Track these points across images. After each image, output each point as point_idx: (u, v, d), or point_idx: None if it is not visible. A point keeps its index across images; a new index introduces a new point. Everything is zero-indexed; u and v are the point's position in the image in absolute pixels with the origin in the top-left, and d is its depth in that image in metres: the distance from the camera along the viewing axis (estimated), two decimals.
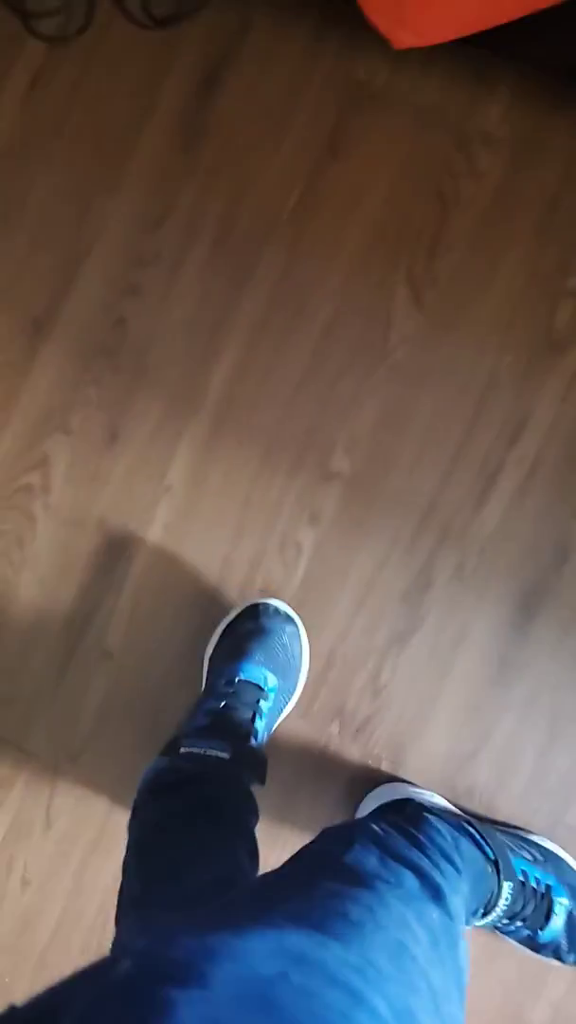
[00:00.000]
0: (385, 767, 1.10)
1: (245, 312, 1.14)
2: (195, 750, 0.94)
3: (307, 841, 0.79)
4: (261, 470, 1.12)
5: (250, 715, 0.98)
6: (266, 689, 1.01)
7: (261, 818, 0.91)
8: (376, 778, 1.09)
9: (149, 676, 1.12)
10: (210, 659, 1.09)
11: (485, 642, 1.10)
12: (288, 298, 1.13)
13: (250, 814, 0.90)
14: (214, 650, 1.09)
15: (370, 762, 1.10)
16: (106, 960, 0.55)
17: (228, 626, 1.09)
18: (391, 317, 1.12)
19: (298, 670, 1.08)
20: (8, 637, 1.14)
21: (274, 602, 1.08)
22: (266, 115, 1.14)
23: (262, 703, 1.00)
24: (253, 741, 0.97)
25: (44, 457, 1.14)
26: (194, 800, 0.87)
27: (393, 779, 1.09)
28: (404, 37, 0.97)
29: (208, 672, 1.08)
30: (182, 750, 0.95)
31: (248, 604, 1.08)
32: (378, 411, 1.12)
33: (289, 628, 1.07)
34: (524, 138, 1.10)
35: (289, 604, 1.10)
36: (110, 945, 0.75)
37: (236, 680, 1.00)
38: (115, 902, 0.80)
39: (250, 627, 1.06)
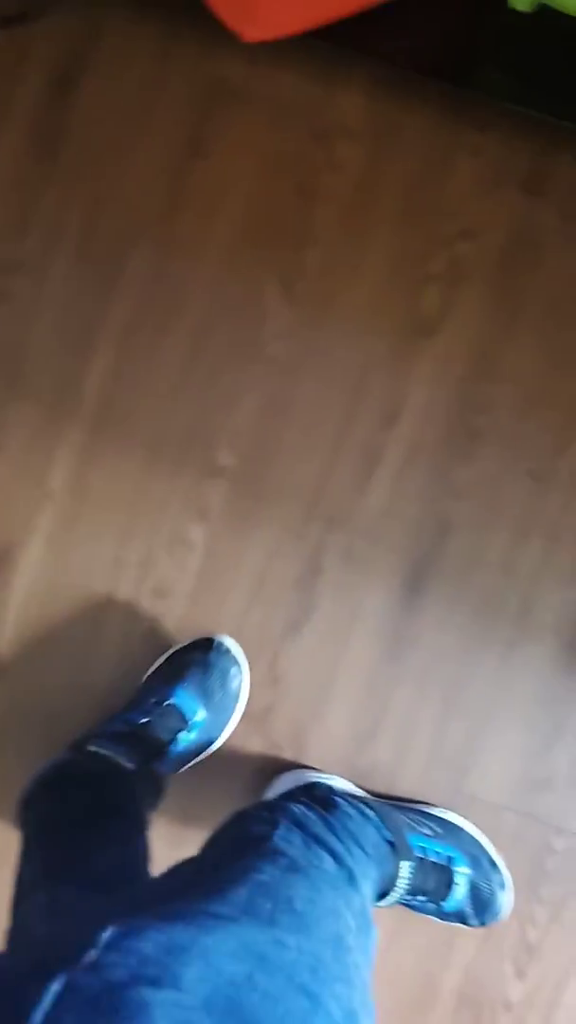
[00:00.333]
0: (287, 755, 1.11)
1: (116, 314, 1.13)
2: (102, 751, 0.94)
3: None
4: (145, 471, 1.12)
5: (167, 740, 0.99)
6: (190, 722, 1.01)
7: (165, 816, 0.92)
8: (279, 767, 1.11)
9: (43, 688, 1.11)
10: (148, 677, 1.08)
11: (377, 621, 1.12)
12: (160, 298, 1.13)
13: (145, 827, 0.91)
14: (155, 670, 1.08)
15: (272, 751, 1.11)
16: (67, 945, 0.55)
17: (175, 652, 1.08)
18: (264, 311, 1.13)
19: (230, 714, 1.07)
20: None
21: (228, 641, 1.08)
22: (125, 115, 1.14)
23: (182, 734, 1.00)
24: (160, 766, 0.97)
25: None
26: (89, 798, 0.87)
27: (296, 766, 1.11)
28: (250, 31, 0.98)
29: (141, 688, 1.07)
30: (89, 747, 0.94)
31: (201, 636, 1.08)
32: (258, 404, 1.13)
33: (233, 669, 1.07)
34: (380, 129, 1.13)
35: (181, 600, 1.10)
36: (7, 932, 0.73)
37: (165, 703, 1.00)
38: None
39: (196, 658, 1.06)
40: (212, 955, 0.54)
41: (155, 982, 0.50)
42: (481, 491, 1.13)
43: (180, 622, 1.12)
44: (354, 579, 1.12)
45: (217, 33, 1.01)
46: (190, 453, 1.12)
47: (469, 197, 1.12)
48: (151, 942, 0.54)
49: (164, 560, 1.12)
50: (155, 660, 1.10)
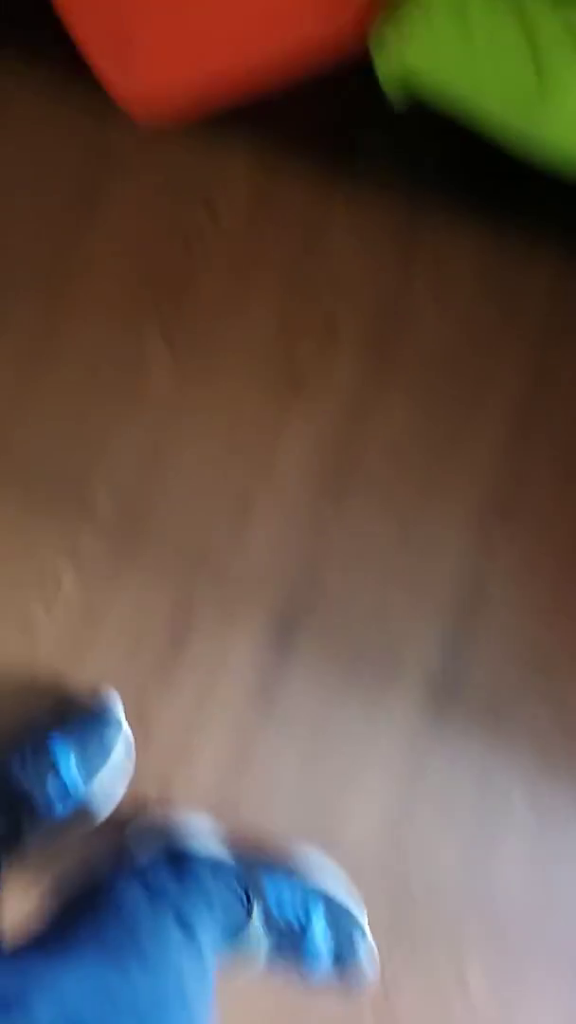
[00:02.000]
0: (152, 804, 1.09)
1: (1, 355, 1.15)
2: None
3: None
4: (18, 511, 1.13)
5: (34, 785, 0.97)
6: (60, 771, 0.99)
7: (24, 865, 0.89)
8: (143, 811, 1.08)
9: None
10: (27, 721, 1.06)
11: (247, 665, 1.13)
12: (44, 348, 1.16)
13: None
14: (35, 716, 1.06)
15: (138, 800, 1.09)
16: None
17: (58, 701, 1.07)
18: (146, 362, 1.16)
19: (103, 773, 1.03)
20: None
21: (112, 697, 1.07)
22: (13, 169, 1.18)
23: (50, 781, 0.98)
24: (26, 820, 0.96)
25: None
26: None
27: (159, 811, 1.09)
28: (139, 111, 1.04)
29: (19, 730, 1.04)
30: None
31: (87, 690, 1.07)
32: (138, 453, 1.15)
33: (113, 726, 1.05)
34: (262, 193, 1.19)
35: (49, 640, 1.10)
36: None
37: (40, 749, 0.99)
38: None
39: (78, 708, 1.05)
40: (63, 990, 0.56)
41: (5, 1007, 0.52)
42: (351, 539, 1.15)
43: (45, 664, 1.10)
44: (225, 625, 1.13)
45: (108, 102, 1.07)
46: (66, 496, 1.13)
47: (345, 260, 1.18)
48: (2, 973, 0.56)
49: (34, 600, 1.11)
50: (16, 706, 1.08)
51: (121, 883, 0.79)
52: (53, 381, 1.15)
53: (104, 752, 1.04)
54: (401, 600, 1.14)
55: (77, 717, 1.04)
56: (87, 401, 1.15)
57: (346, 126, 1.14)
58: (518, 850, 1.09)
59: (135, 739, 1.08)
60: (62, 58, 1.05)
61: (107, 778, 1.04)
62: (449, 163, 1.16)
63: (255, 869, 0.99)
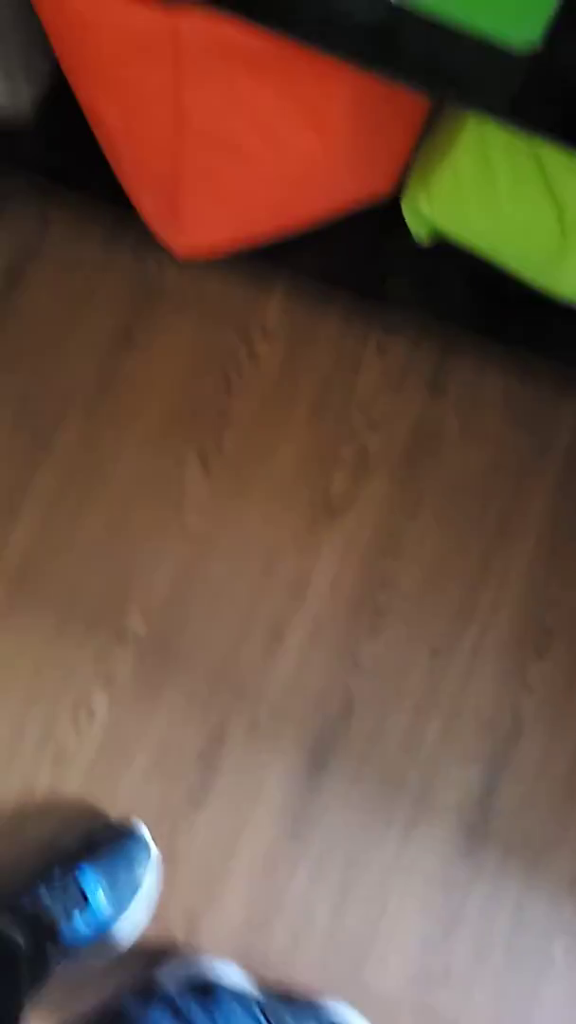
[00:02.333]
0: (180, 939, 1.07)
1: (42, 484, 1.18)
2: None
3: None
4: (55, 634, 1.14)
5: (62, 917, 0.96)
6: (89, 903, 0.98)
7: (46, 999, 0.88)
8: (171, 952, 1.07)
9: None
10: (56, 850, 1.05)
11: (278, 796, 1.12)
12: (86, 471, 1.19)
13: (23, 1006, 0.87)
14: (66, 844, 1.06)
15: (163, 934, 1.07)
16: None
17: (89, 831, 1.07)
18: (183, 487, 1.19)
19: (131, 907, 1.02)
20: None
21: (142, 829, 1.06)
22: (65, 306, 1.23)
23: (77, 915, 0.97)
24: (51, 947, 0.94)
25: None
26: None
27: (187, 951, 1.07)
28: (182, 250, 1.10)
29: (48, 859, 1.04)
30: None
31: (119, 819, 1.07)
32: (172, 575, 1.17)
33: (145, 859, 1.04)
34: (297, 330, 1.24)
35: (82, 769, 1.10)
36: None
37: (69, 878, 0.98)
38: None
39: (110, 838, 1.04)
40: None
41: None
42: (384, 667, 1.16)
43: (79, 792, 1.10)
44: (257, 753, 1.13)
45: (154, 241, 1.13)
46: (101, 619, 1.15)
47: (377, 392, 1.22)
48: None
49: (67, 727, 1.12)
50: (50, 834, 1.08)
51: (150, 1012, 0.77)
52: (92, 506, 1.18)
53: (133, 884, 1.03)
54: (435, 729, 1.14)
55: (107, 847, 1.04)
56: (124, 526, 1.18)
57: (375, 256, 1.19)
58: (559, 998, 1.06)
59: (164, 868, 1.07)
60: (111, 203, 1.12)
61: (135, 909, 1.03)
62: (476, 293, 1.20)
63: (281, 1007, 0.96)
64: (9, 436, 1.19)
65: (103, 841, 1.05)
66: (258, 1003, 0.92)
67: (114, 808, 1.10)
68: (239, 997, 0.90)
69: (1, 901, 0.96)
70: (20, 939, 0.91)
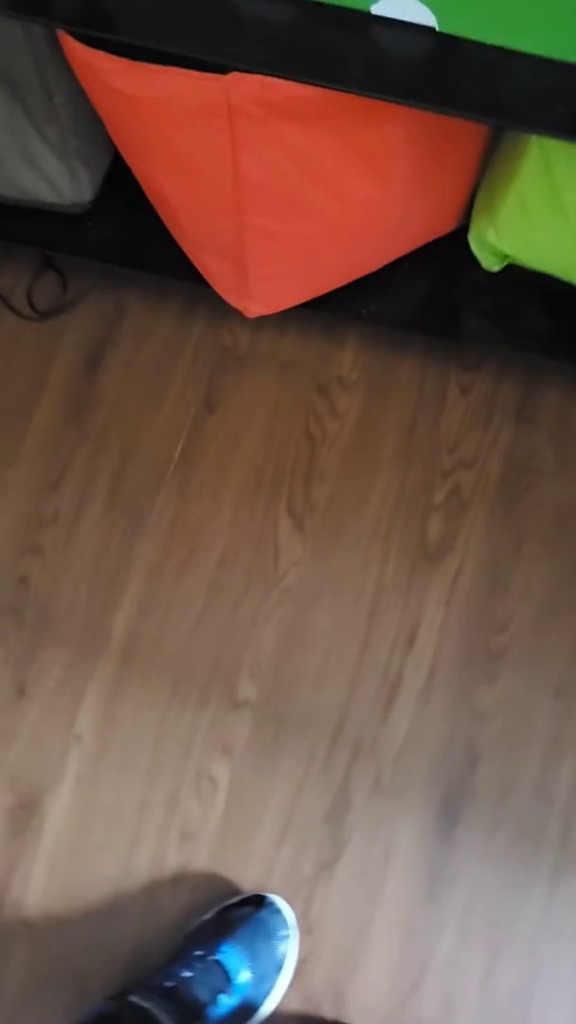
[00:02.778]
0: (327, 1012, 1.03)
1: (142, 557, 1.20)
2: (143, 1004, 0.89)
3: None
4: (170, 706, 1.14)
5: (207, 1000, 0.94)
6: (234, 983, 0.96)
7: None
8: (314, 1013, 1.02)
9: (71, 942, 1.07)
10: (194, 928, 1.04)
11: (412, 856, 1.08)
12: (181, 539, 1.20)
13: None
14: (201, 923, 1.04)
15: (310, 1008, 1.03)
16: None
17: (224, 907, 1.05)
18: (278, 544, 1.19)
19: (275, 980, 1.01)
20: None
21: (279, 901, 1.04)
22: (146, 383, 1.26)
23: (223, 997, 0.95)
24: None
25: None
26: None
27: (333, 1015, 1.02)
28: (252, 308, 1.12)
29: (186, 938, 1.03)
30: (130, 998, 0.90)
31: (253, 893, 1.05)
32: (277, 634, 1.16)
33: (284, 932, 1.02)
34: (374, 378, 1.23)
35: (209, 841, 1.08)
36: None
37: (210, 958, 0.96)
38: None
39: (246, 914, 1.02)
40: None
41: None
42: (507, 712, 1.11)
43: (207, 866, 1.08)
44: (385, 810, 1.09)
45: (223, 308, 1.15)
46: (213, 686, 1.14)
47: (464, 430, 1.20)
48: None
49: (190, 799, 1.10)
50: (182, 910, 1.06)
51: None
52: (191, 573, 1.18)
53: (275, 958, 1.00)
54: (569, 773, 1.08)
55: (245, 922, 1.01)
56: (224, 589, 1.18)
57: (446, 293, 1.18)
58: None
59: (302, 938, 1.04)
60: (180, 278, 1.15)
61: (278, 983, 1.00)
62: (554, 318, 1.18)
63: None
64: (106, 515, 1.21)
65: (239, 917, 1.02)
66: None
67: (245, 879, 1.08)
68: None
69: (146, 983, 0.94)
70: (169, 1023, 0.89)
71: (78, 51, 0.76)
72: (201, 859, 1.09)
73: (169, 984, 0.94)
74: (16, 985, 1.06)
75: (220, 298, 1.15)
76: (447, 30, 0.69)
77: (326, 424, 1.23)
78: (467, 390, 1.21)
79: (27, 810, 1.11)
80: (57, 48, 0.83)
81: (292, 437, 1.23)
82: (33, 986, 1.06)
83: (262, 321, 1.25)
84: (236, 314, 1.16)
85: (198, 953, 0.97)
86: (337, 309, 1.15)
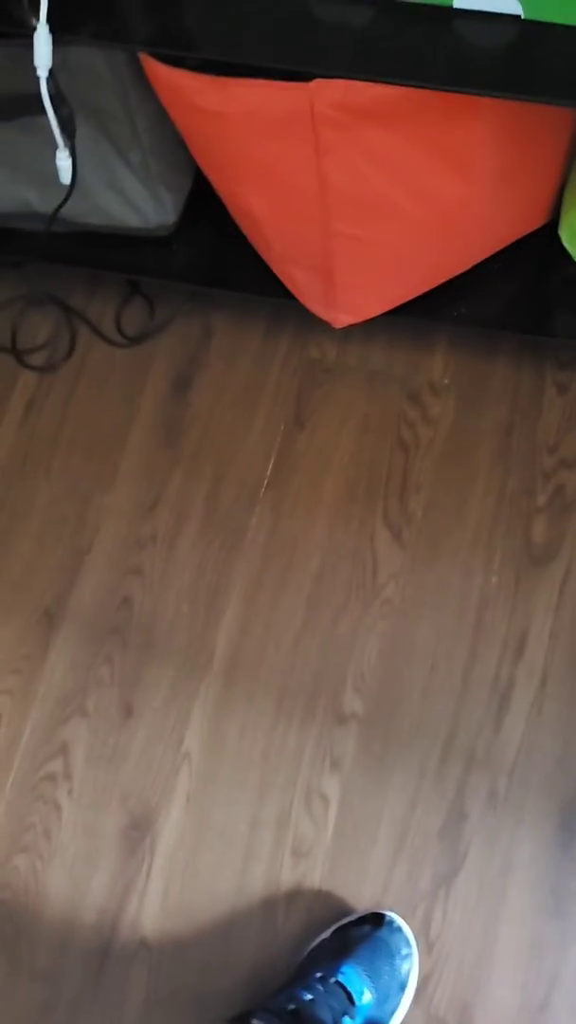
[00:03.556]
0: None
1: (240, 574, 1.20)
2: None
3: None
4: (276, 722, 1.13)
5: (332, 1022, 0.92)
6: (357, 1006, 0.94)
7: None
8: None
9: (188, 962, 1.06)
10: (312, 949, 1.03)
11: (533, 869, 1.04)
12: (278, 555, 1.20)
13: None
14: (319, 943, 1.03)
15: (430, 1019, 1.00)
16: None
17: (342, 925, 1.04)
18: (376, 557, 1.18)
19: (398, 1001, 0.99)
20: (42, 936, 1.09)
21: (398, 919, 1.02)
22: (236, 402, 1.27)
23: (347, 1020, 0.93)
24: None
25: (64, 744, 1.16)
26: None
27: None
28: (340, 318, 1.11)
29: (305, 959, 1.02)
30: (253, 1021, 0.89)
31: (371, 911, 1.04)
32: (380, 646, 1.14)
33: (405, 950, 1.00)
34: (466, 381, 1.21)
35: (322, 859, 1.07)
36: None
37: (331, 980, 0.95)
38: None
39: (365, 933, 1.01)
40: None
41: None
42: None
43: (322, 883, 1.07)
44: (503, 823, 1.06)
45: (309, 322, 1.15)
46: (318, 700, 1.13)
47: (563, 430, 1.17)
48: None
49: (301, 816, 1.09)
50: (299, 929, 1.05)
51: None
52: (290, 588, 1.18)
53: (397, 977, 0.98)
54: None
55: (364, 941, 0.99)
56: (324, 603, 1.17)
57: (538, 290, 1.15)
58: None
59: (424, 957, 1.01)
60: (266, 295, 1.16)
61: (401, 1003, 0.97)
62: None
63: None
64: (203, 534, 1.22)
65: (359, 936, 1.00)
66: None
67: (361, 896, 1.06)
68: None
69: (267, 1006, 0.93)
70: None
71: (161, 72, 0.77)
72: (316, 877, 1.07)
73: (291, 1007, 0.92)
74: (136, 1007, 1.06)
75: (306, 312, 1.15)
76: (533, 16, 0.68)
77: (419, 431, 1.21)
78: (564, 388, 1.18)
79: (140, 830, 1.11)
80: (138, 73, 0.85)
81: (384, 447, 1.22)
82: (154, 1007, 1.06)
83: (349, 332, 1.25)
84: (322, 327, 1.16)
85: (319, 975, 0.96)
86: (426, 314, 1.14)
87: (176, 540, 1.23)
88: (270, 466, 1.24)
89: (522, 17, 0.67)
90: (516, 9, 0.67)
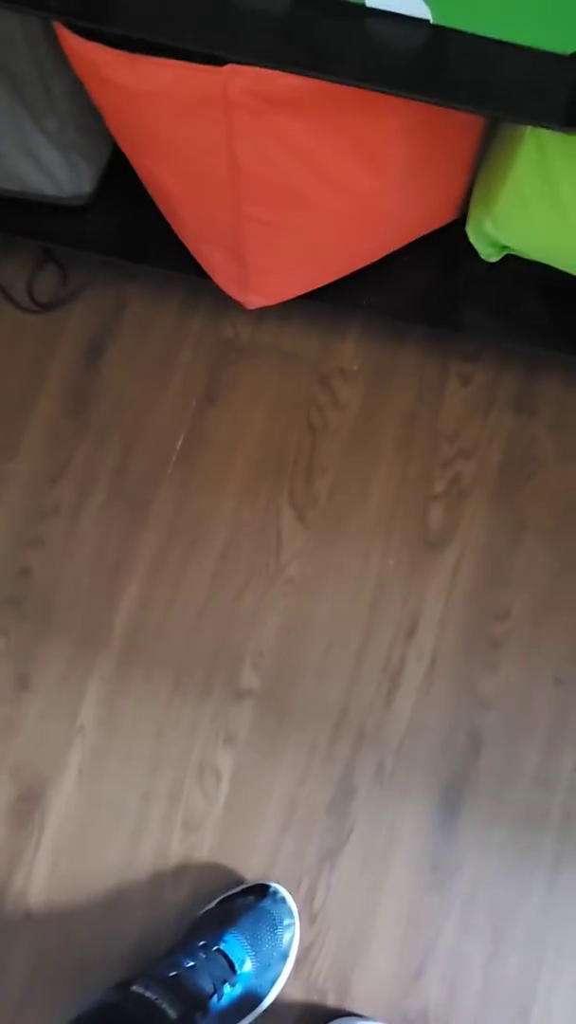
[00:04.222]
0: (331, 1000, 1.04)
1: (144, 549, 1.20)
2: (147, 994, 0.89)
3: None
4: (172, 698, 1.14)
5: (211, 990, 0.94)
6: (238, 973, 0.97)
7: None
8: (323, 1014, 1.03)
9: (74, 934, 1.07)
10: (197, 918, 1.05)
11: (415, 845, 1.08)
12: (184, 531, 1.20)
13: None
14: (204, 912, 1.05)
15: (315, 997, 1.04)
16: None
17: (227, 896, 1.06)
18: (280, 536, 1.19)
19: (279, 970, 1.02)
20: None
21: (283, 890, 1.05)
22: (147, 375, 1.27)
23: (227, 987, 0.95)
24: (202, 1020, 0.93)
25: None
26: None
27: (340, 1013, 1.03)
28: (252, 299, 1.12)
29: (190, 928, 1.04)
30: (133, 988, 0.90)
31: (256, 882, 1.06)
32: (279, 625, 1.16)
33: (287, 920, 1.03)
34: (375, 368, 1.24)
35: (212, 832, 1.09)
36: None
37: (213, 948, 0.97)
38: None
39: (249, 903, 1.03)
40: None
41: None
42: (509, 700, 1.12)
43: (211, 856, 1.09)
44: (388, 800, 1.10)
45: (224, 301, 1.15)
46: (216, 676, 1.15)
47: (463, 421, 1.20)
48: None
49: (193, 790, 1.11)
50: (186, 900, 1.07)
51: None
52: (194, 564, 1.19)
53: (278, 947, 1.01)
54: (570, 761, 1.08)
55: (248, 911, 1.02)
56: (227, 580, 1.18)
57: (445, 284, 1.18)
58: None
59: (306, 927, 1.05)
60: (181, 271, 1.15)
61: (281, 972, 1.01)
62: (554, 308, 1.18)
63: None
64: (108, 507, 1.22)
65: (243, 906, 1.03)
66: None
67: (248, 868, 1.08)
68: None
69: (149, 973, 0.95)
70: (172, 1012, 0.89)
71: (74, 43, 0.76)
72: (205, 849, 1.10)
73: (172, 973, 0.94)
74: (20, 976, 1.07)
75: (221, 290, 1.15)
76: (441, 22, 0.69)
77: (328, 415, 1.23)
78: (467, 380, 1.21)
79: (30, 802, 1.11)
80: (55, 40, 0.83)
81: (294, 429, 1.23)
82: (37, 977, 1.07)
83: (263, 313, 1.25)
84: (237, 306, 1.16)
85: (202, 943, 0.98)
86: (337, 300, 1.15)
87: (79, 512, 1.22)
88: (180, 441, 1.24)
89: (431, 22, 0.68)
90: (425, 14, 0.68)
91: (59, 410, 1.26)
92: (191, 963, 0.95)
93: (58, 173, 1.08)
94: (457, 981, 1.04)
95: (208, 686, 1.14)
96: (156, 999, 0.89)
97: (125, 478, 1.23)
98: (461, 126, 0.89)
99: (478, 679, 1.13)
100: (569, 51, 0.69)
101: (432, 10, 0.67)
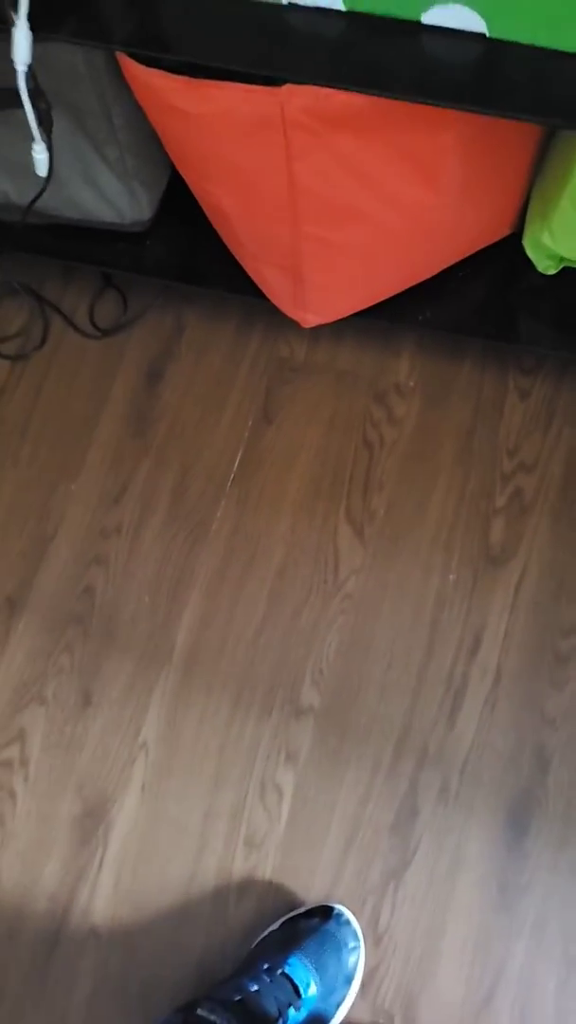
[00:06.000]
0: (395, 1014, 1.02)
1: (203, 567, 1.21)
2: (212, 1018, 0.89)
3: None
4: (233, 714, 1.14)
5: (276, 1014, 0.93)
6: (303, 998, 0.96)
7: None
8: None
9: (137, 952, 1.07)
10: (261, 940, 1.04)
11: (481, 866, 1.06)
12: (241, 549, 1.21)
13: None
14: (268, 934, 1.05)
15: (381, 1021, 1.02)
16: None
17: (291, 918, 1.05)
18: (338, 553, 1.19)
19: (344, 993, 1.01)
20: None
21: (347, 912, 1.04)
22: (206, 396, 1.28)
23: (292, 1011, 0.94)
24: None
25: (21, 730, 1.16)
26: None
27: None
28: (308, 318, 1.13)
29: (253, 950, 1.03)
30: (199, 1011, 0.90)
31: (320, 904, 1.05)
32: (339, 642, 1.16)
33: (352, 943, 1.02)
34: (431, 384, 1.23)
35: (275, 850, 1.08)
36: None
37: (278, 971, 0.96)
38: None
39: (313, 926, 1.02)
40: None
41: None
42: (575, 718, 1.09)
43: (273, 874, 1.09)
44: (453, 819, 1.08)
45: (280, 321, 1.17)
46: (276, 694, 1.15)
47: (523, 434, 1.19)
48: None
49: (255, 808, 1.11)
50: (249, 918, 1.06)
51: None
52: (252, 582, 1.19)
53: (344, 970, 1.00)
54: None
55: (312, 934, 1.01)
56: (285, 598, 1.18)
57: (502, 297, 1.17)
58: None
59: (371, 950, 1.03)
60: (239, 293, 1.17)
61: (347, 995, 0.99)
62: None
63: None
64: (168, 526, 1.23)
65: (307, 928, 1.02)
66: None
67: (311, 887, 1.08)
68: None
69: (214, 995, 0.94)
70: None
71: (137, 72, 0.78)
72: (267, 867, 1.09)
73: (237, 997, 0.93)
74: (84, 995, 1.07)
75: (277, 311, 1.16)
76: (497, 35, 0.69)
77: (384, 431, 1.23)
78: (526, 394, 1.20)
79: (94, 819, 1.12)
80: (115, 71, 0.86)
81: (350, 445, 1.23)
82: (100, 996, 1.07)
83: (318, 332, 1.26)
84: (293, 326, 1.17)
85: (266, 966, 0.97)
86: (393, 317, 1.16)
87: (141, 531, 1.24)
88: (237, 460, 1.25)
89: (487, 35, 0.69)
90: (481, 27, 0.68)
91: (120, 432, 1.29)
92: (255, 987, 0.94)
93: (118, 201, 1.11)
94: (529, 1007, 1.01)
95: (268, 703, 1.14)
96: (220, 1023, 0.89)
97: (184, 497, 1.24)
98: (515, 140, 0.89)
99: (544, 697, 1.11)
100: None
101: (488, 24, 0.68)
